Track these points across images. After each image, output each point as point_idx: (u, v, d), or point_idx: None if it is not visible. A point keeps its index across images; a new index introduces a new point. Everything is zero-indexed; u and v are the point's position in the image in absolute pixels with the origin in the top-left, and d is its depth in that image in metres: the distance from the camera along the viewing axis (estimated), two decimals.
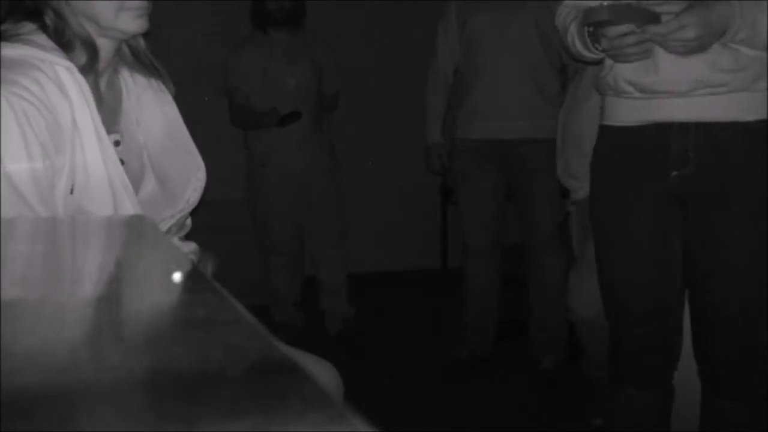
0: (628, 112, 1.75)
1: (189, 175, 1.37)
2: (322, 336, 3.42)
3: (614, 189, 1.80)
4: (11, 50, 1.17)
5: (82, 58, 1.23)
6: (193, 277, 0.72)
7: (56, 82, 1.16)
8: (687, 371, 1.81)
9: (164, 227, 1.34)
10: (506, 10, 3.00)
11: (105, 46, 1.27)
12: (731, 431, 1.74)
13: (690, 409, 1.82)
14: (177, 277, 0.72)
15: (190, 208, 1.38)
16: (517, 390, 3.06)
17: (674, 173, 1.70)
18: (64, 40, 1.22)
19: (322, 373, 1.44)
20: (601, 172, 1.84)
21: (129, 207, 1.22)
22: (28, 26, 1.22)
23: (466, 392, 3.04)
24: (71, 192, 1.17)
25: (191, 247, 1.41)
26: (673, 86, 1.67)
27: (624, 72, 1.71)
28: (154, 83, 1.37)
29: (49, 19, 1.22)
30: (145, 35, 1.33)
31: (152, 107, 1.37)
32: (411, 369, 3.23)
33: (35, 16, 1.22)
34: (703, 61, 1.64)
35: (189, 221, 1.44)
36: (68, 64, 1.19)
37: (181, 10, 3.97)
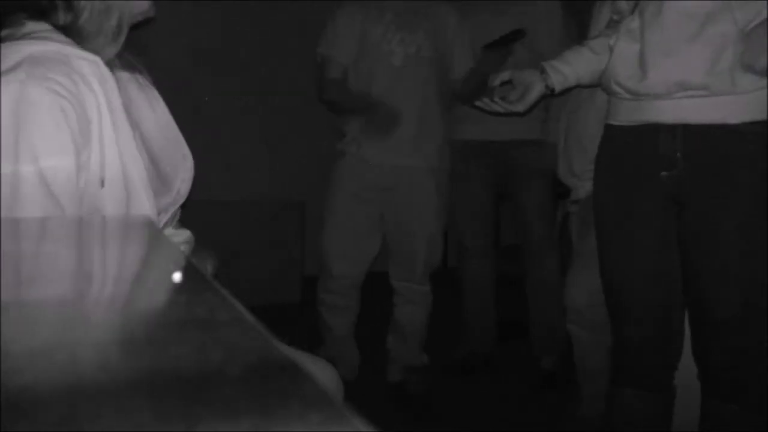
0: (623, 113, 1.78)
1: (178, 165, 1.38)
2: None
3: (614, 187, 1.82)
4: (37, 46, 1.17)
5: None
6: (193, 277, 0.72)
7: (82, 77, 1.17)
8: (688, 372, 1.81)
9: (162, 220, 1.34)
10: (491, 14, 2.99)
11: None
12: None
13: (691, 409, 1.82)
14: (177, 277, 0.72)
15: (181, 200, 1.38)
16: (517, 390, 3.06)
17: (664, 173, 1.72)
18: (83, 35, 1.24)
19: (322, 373, 1.45)
20: (602, 170, 1.86)
21: (145, 201, 1.22)
22: (42, 25, 1.22)
23: (466, 392, 3.05)
24: (102, 185, 1.17)
25: (185, 235, 1.41)
26: (654, 89, 1.69)
27: (614, 74, 1.75)
28: (140, 78, 1.38)
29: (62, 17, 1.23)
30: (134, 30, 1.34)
31: (140, 101, 1.37)
32: None
33: (46, 14, 1.23)
34: (682, 66, 1.65)
35: (179, 213, 1.44)
36: (94, 57, 1.19)
37: (181, 10, 3.97)
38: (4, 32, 1.20)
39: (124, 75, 1.37)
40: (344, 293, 2.89)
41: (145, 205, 1.22)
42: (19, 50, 1.15)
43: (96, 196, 1.17)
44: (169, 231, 1.39)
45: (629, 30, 1.73)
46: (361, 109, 2.77)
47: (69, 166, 1.13)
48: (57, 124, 1.11)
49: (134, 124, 1.33)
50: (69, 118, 1.13)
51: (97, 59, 1.19)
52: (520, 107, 1.92)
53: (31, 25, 1.21)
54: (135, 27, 1.33)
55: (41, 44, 1.17)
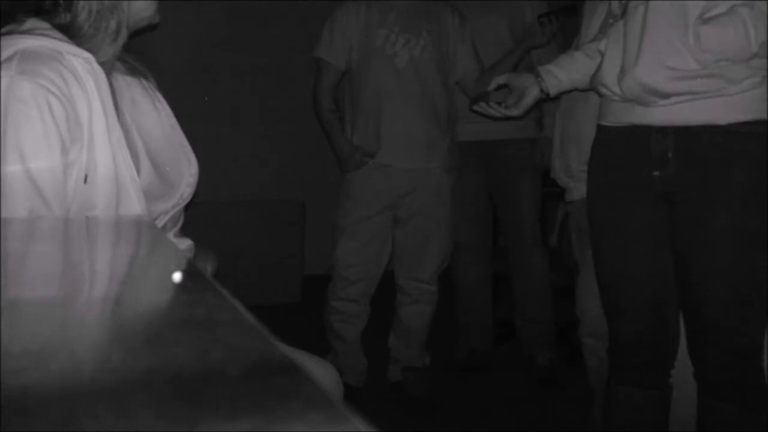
0: (614, 113, 1.80)
1: (182, 170, 1.38)
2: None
3: (607, 187, 1.83)
4: (30, 41, 1.17)
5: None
6: (193, 277, 0.72)
7: (74, 74, 1.17)
8: (685, 370, 1.81)
9: (160, 222, 1.34)
10: (479, 13, 3.00)
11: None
12: (727, 431, 1.75)
13: (688, 408, 1.82)
14: (177, 277, 0.72)
15: (183, 203, 1.39)
16: (518, 390, 3.06)
17: (656, 173, 1.73)
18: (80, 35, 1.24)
19: (322, 373, 1.45)
20: (595, 170, 1.88)
21: (134, 199, 1.22)
22: (42, 23, 1.22)
23: (466, 392, 3.04)
24: (84, 182, 1.17)
25: (187, 243, 1.41)
26: (637, 98, 1.70)
27: (602, 78, 1.77)
28: (144, 83, 1.38)
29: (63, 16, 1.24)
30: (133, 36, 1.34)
31: (145, 105, 1.37)
32: None
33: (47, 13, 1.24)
34: (663, 75, 1.65)
35: (182, 216, 1.45)
36: (87, 55, 1.19)
37: (182, 9, 3.97)
38: (5, 28, 1.21)
39: (129, 79, 1.37)
40: (356, 300, 2.86)
41: (135, 205, 1.22)
42: (12, 45, 1.16)
43: (86, 194, 1.17)
44: (171, 239, 1.39)
45: (617, 34, 1.74)
46: (336, 152, 2.81)
47: (54, 162, 1.13)
48: (43, 120, 1.11)
49: (130, 126, 1.33)
50: (56, 113, 1.13)
51: (90, 56, 1.19)
52: (516, 111, 1.95)
53: (31, 23, 1.21)
54: (139, 32, 1.33)
55: (35, 40, 1.17)
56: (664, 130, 1.70)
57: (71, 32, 1.22)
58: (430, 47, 2.74)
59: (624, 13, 1.73)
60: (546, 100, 2.01)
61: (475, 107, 2.03)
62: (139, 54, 1.39)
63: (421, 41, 2.73)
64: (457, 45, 2.82)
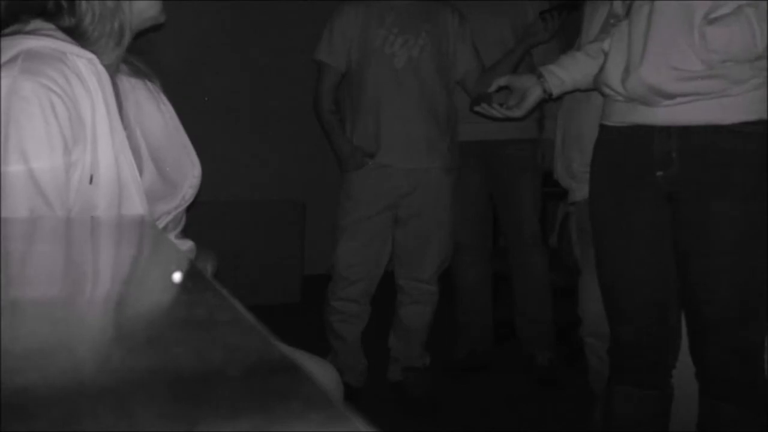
0: (617, 113, 1.79)
1: (185, 172, 1.38)
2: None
3: (609, 187, 1.83)
4: (35, 41, 1.17)
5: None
6: (193, 277, 0.72)
7: (78, 75, 1.17)
8: (686, 370, 1.81)
9: (162, 223, 1.34)
10: (483, 13, 3.00)
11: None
12: (728, 431, 1.75)
13: (689, 408, 1.82)
14: (177, 277, 0.72)
15: (186, 204, 1.39)
16: (518, 390, 3.06)
17: (659, 173, 1.72)
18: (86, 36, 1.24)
19: (322, 373, 1.45)
20: (598, 171, 1.87)
21: (136, 200, 1.23)
22: (47, 24, 1.22)
23: (466, 392, 3.04)
24: (90, 182, 1.17)
25: (188, 245, 1.41)
26: (642, 98, 1.70)
27: (605, 77, 1.77)
28: (149, 85, 1.39)
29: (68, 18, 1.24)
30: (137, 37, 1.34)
31: (149, 107, 1.37)
32: None
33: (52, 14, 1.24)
34: (668, 76, 1.65)
35: (184, 217, 1.45)
36: (90, 55, 1.19)
37: (182, 9, 3.97)
38: (10, 29, 1.21)
39: (134, 81, 1.37)
40: (356, 300, 2.87)
41: (137, 206, 1.22)
42: (16, 45, 1.16)
43: (88, 194, 1.17)
44: (172, 240, 1.39)
45: (621, 34, 1.74)
46: (337, 152, 2.82)
47: (56, 162, 1.13)
48: (45, 119, 1.12)
49: (133, 127, 1.33)
50: (59, 113, 1.13)
51: (93, 57, 1.19)
52: (518, 113, 1.95)
53: (36, 24, 1.21)
54: (144, 32, 1.33)
55: (39, 40, 1.17)
56: (667, 130, 1.70)
57: (76, 35, 1.22)
58: (429, 47, 2.76)
59: (628, 12, 1.73)
60: (548, 100, 2.01)
61: (477, 108, 2.03)
62: (141, 54, 1.39)
63: (419, 41, 2.75)
64: (457, 45, 2.83)
